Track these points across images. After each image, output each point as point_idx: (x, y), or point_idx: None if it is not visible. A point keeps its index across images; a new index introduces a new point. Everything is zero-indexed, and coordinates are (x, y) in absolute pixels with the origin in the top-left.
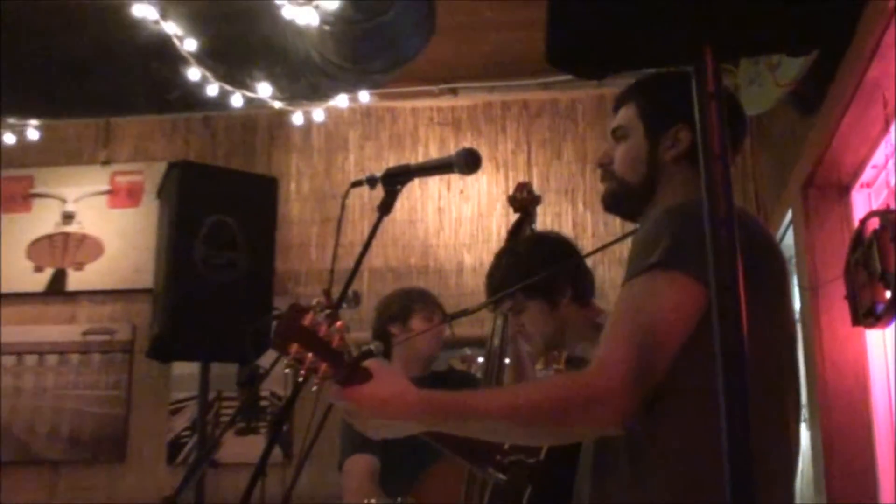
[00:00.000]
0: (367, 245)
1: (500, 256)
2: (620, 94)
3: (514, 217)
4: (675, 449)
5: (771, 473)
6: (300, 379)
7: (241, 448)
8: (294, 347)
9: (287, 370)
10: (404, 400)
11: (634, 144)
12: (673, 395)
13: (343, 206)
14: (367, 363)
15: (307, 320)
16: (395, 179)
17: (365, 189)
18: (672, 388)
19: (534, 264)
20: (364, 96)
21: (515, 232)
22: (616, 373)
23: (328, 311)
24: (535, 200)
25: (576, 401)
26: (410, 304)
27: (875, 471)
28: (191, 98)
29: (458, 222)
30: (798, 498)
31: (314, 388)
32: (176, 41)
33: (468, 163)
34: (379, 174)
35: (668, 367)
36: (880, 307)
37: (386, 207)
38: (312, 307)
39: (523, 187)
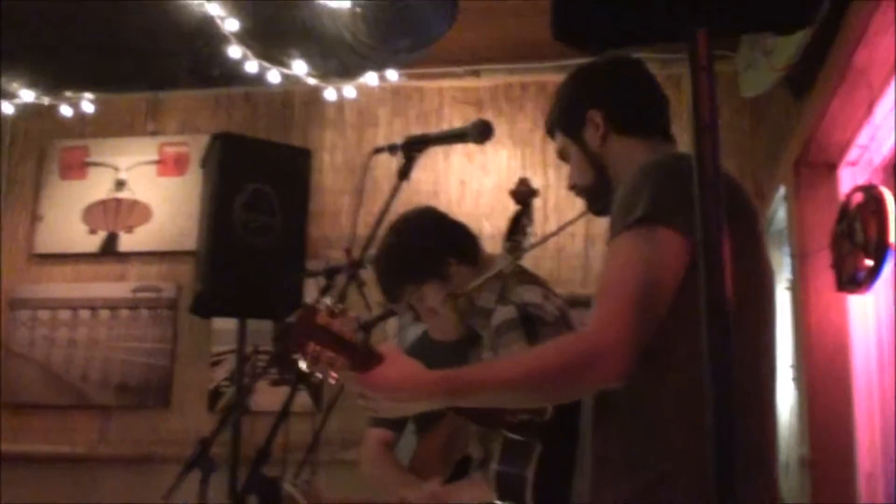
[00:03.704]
0: (386, 207)
1: (378, 259)
2: (546, 129)
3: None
4: (669, 395)
5: (754, 416)
6: (319, 375)
7: (275, 397)
8: (310, 346)
9: (306, 370)
10: (415, 381)
11: (573, 156)
12: (664, 345)
13: (365, 170)
14: (380, 347)
15: (321, 318)
16: (414, 147)
17: (392, 161)
18: (663, 337)
19: (407, 252)
20: (393, 75)
21: (515, 222)
22: (614, 329)
23: (340, 306)
24: (534, 194)
25: (580, 360)
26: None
27: (853, 424)
28: (232, 74)
29: (478, 193)
30: (783, 447)
31: (333, 381)
32: (218, 21)
33: (481, 132)
34: (399, 142)
35: (661, 319)
36: (861, 274)
37: (404, 173)
38: (324, 305)
39: (523, 182)
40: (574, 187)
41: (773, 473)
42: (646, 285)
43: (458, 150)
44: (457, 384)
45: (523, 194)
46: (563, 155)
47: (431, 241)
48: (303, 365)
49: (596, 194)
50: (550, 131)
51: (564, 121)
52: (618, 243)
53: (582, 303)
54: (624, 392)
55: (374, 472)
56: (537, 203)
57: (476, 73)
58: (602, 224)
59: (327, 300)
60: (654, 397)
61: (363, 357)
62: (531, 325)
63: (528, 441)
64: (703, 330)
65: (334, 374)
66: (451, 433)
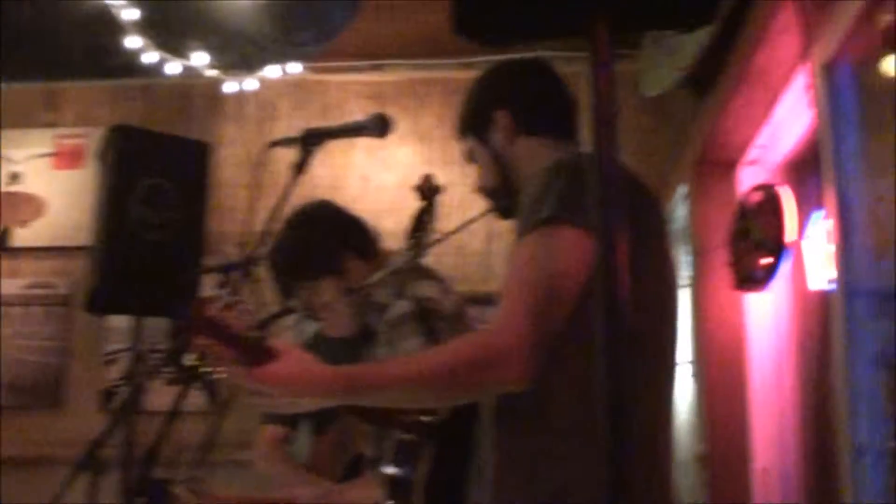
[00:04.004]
0: (280, 202)
1: (273, 255)
2: (457, 131)
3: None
4: (573, 400)
5: (652, 415)
6: (208, 370)
7: (170, 397)
8: (200, 340)
9: (195, 363)
10: (310, 377)
11: (480, 157)
12: (568, 348)
13: (261, 163)
14: (275, 342)
15: (210, 311)
16: (311, 140)
17: (294, 155)
18: (567, 340)
19: (303, 247)
20: (295, 68)
21: (419, 219)
22: (516, 330)
23: (234, 299)
24: (438, 190)
25: (480, 363)
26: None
27: (748, 421)
28: (130, 65)
29: (380, 189)
30: (681, 444)
31: (221, 376)
32: (116, 10)
33: (380, 127)
34: (296, 136)
35: (566, 319)
36: (759, 272)
37: (301, 167)
38: (217, 297)
39: (427, 178)
40: (482, 189)
41: (669, 473)
42: (551, 287)
43: (360, 145)
44: (354, 381)
45: (427, 190)
46: (470, 156)
47: (328, 236)
48: (191, 360)
49: (502, 196)
50: (460, 132)
51: (471, 121)
52: (523, 243)
53: (483, 300)
54: (527, 396)
55: (267, 469)
56: (440, 200)
57: (380, 68)
58: (503, 222)
59: (222, 293)
60: (558, 402)
61: (254, 352)
62: (427, 320)
63: (420, 441)
64: (597, 331)
65: (223, 370)
66: (344, 431)
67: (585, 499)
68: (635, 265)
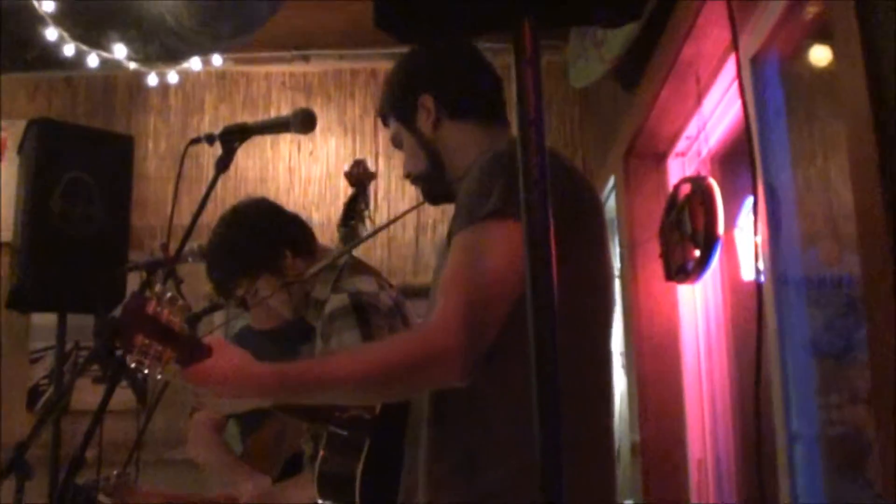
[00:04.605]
0: (203, 200)
1: (209, 254)
2: (380, 116)
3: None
4: (512, 392)
5: (590, 406)
6: (146, 370)
7: (97, 396)
8: (139, 339)
9: (133, 364)
10: (244, 375)
11: (406, 142)
12: (504, 346)
13: (182, 161)
14: (209, 340)
15: (150, 308)
16: (233, 137)
17: (218, 149)
18: (504, 338)
19: (241, 245)
20: (217, 60)
21: (351, 205)
22: (455, 328)
23: (170, 295)
24: (370, 176)
25: (417, 360)
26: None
27: (683, 412)
28: (49, 58)
29: (307, 182)
30: (615, 436)
31: (159, 375)
32: (34, 2)
33: (303, 122)
34: (217, 132)
35: (506, 317)
36: (690, 264)
37: (223, 164)
38: (154, 294)
39: (359, 164)
40: (409, 175)
41: (611, 467)
42: (491, 283)
43: (287, 137)
44: (288, 379)
45: (359, 176)
46: (396, 142)
47: (265, 234)
48: (129, 359)
49: (430, 182)
50: (384, 118)
51: (396, 107)
52: (463, 238)
53: (413, 293)
54: (462, 392)
55: (200, 454)
56: (372, 187)
57: (305, 59)
58: (433, 213)
59: (157, 289)
60: (492, 399)
61: (190, 349)
62: (364, 313)
63: (355, 436)
64: (529, 329)
65: (161, 370)
66: (280, 428)
67: (520, 498)
68: (573, 258)
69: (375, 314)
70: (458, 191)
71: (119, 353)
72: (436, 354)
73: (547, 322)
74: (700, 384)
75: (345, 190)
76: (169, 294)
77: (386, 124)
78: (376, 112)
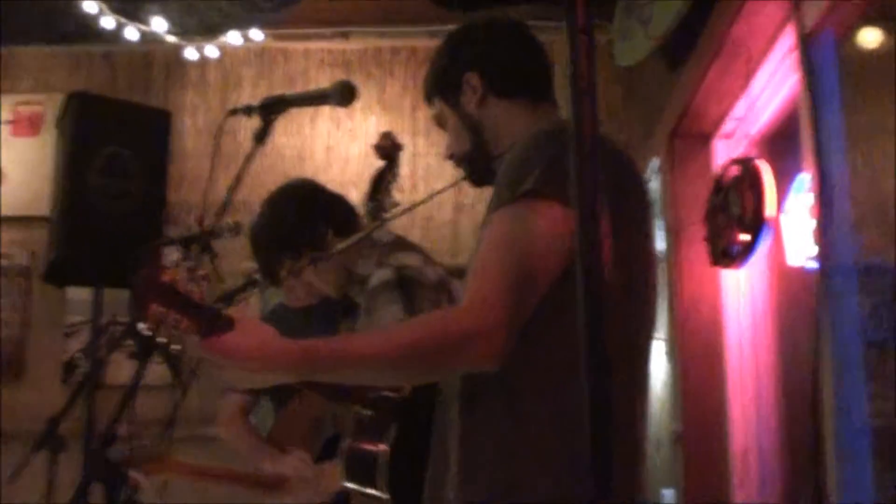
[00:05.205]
0: (240, 174)
1: (252, 236)
2: (424, 94)
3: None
4: (546, 378)
5: (630, 397)
6: (163, 339)
7: (132, 371)
8: (154, 307)
9: (149, 333)
10: (267, 350)
11: (450, 121)
12: (541, 329)
13: (220, 132)
14: (231, 312)
15: (166, 277)
16: (272, 109)
17: (257, 124)
18: (541, 321)
19: (285, 226)
20: (257, 34)
21: (379, 179)
22: (489, 309)
23: (190, 265)
24: (398, 148)
25: (449, 341)
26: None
27: (726, 401)
28: (87, 31)
29: (345, 160)
30: (656, 423)
31: (178, 346)
32: None
33: (344, 94)
34: (255, 104)
35: (541, 299)
36: (736, 248)
37: (261, 137)
38: (174, 265)
39: (388, 136)
40: (452, 156)
41: (642, 460)
42: (528, 263)
43: (325, 115)
44: (313, 356)
45: (387, 149)
46: (439, 121)
47: (309, 214)
48: (145, 328)
49: (474, 162)
50: (427, 97)
51: (440, 84)
52: (502, 216)
53: (452, 274)
54: (494, 378)
55: (228, 437)
56: (405, 171)
57: (345, 36)
58: (471, 193)
59: (177, 258)
60: (526, 387)
61: (210, 321)
62: (408, 287)
63: (383, 418)
64: (579, 312)
65: (178, 339)
66: (311, 405)
67: (552, 486)
68: (618, 242)
69: (419, 288)
70: (498, 173)
71: (140, 323)
72: (467, 335)
73: (600, 306)
74: (743, 372)
75: None
76: (189, 263)
77: (430, 104)
78: (423, 91)
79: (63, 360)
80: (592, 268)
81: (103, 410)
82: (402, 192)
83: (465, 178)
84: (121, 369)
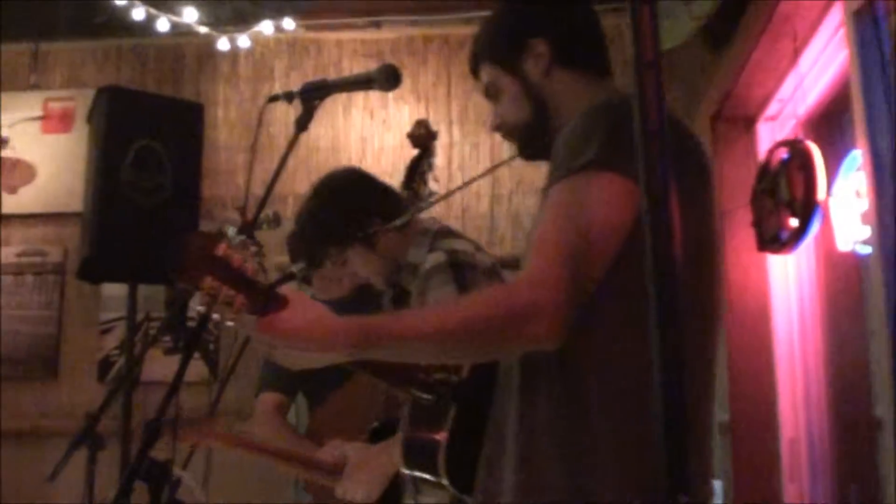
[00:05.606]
0: (282, 162)
1: (298, 224)
2: (470, 63)
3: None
4: (608, 358)
5: (698, 380)
6: (215, 315)
7: (168, 367)
8: (207, 280)
9: (200, 307)
10: (323, 327)
11: (506, 89)
12: (607, 303)
13: (260, 119)
14: (283, 290)
15: (220, 249)
16: (313, 94)
17: (289, 115)
18: (605, 294)
19: (332, 214)
20: (289, 24)
21: (414, 167)
22: (546, 284)
23: (242, 238)
24: (432, 136)
25: (509, 317)
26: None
27: (775, 390)
28: (118, 23)
29: (380, 151)
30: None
31: (229, 323)
32: None
33: (388, 78)
34: (296, 89)
35: (602, 275)
36: (785, 233)
37: (303, 124)
38: (224, 234)
39: (422, 124)
40: (501, 127)
41: (710, 449)
42: (587, 239)
43: (359, 105)
44: (370, 332)
45: (421, 137)
46: (491, 91)
47: (356, 203)
48: (198, 304)
49: (532, 134)
50: (476, 67)
51: (499, 50)
52: (560, 189)
53: None
54: (556, 357)
55: (266, 437)
56: (441, 161)
57: (377, 25)
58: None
59: (228, 231)
60: (587, 367)
61: (264, 298)
62: (460, 270)
63: (441, 402)
64: (651, 292)
65: (231, 316)
66: (351, 398)
67: (612, 475)
68: (683, 223)
69: (473, 272)
70: (554, 146)
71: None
72: (525, 310)
73: (671, 288)
74: (792, 360)
75: None
76: (240, 238)
77: (476, 75)
78: (469, 59)
79: (98, 357)
80: (664, 257)
81: (140, 407)
82: (438, 182)
83: (521, 151)
84: (156, 365)
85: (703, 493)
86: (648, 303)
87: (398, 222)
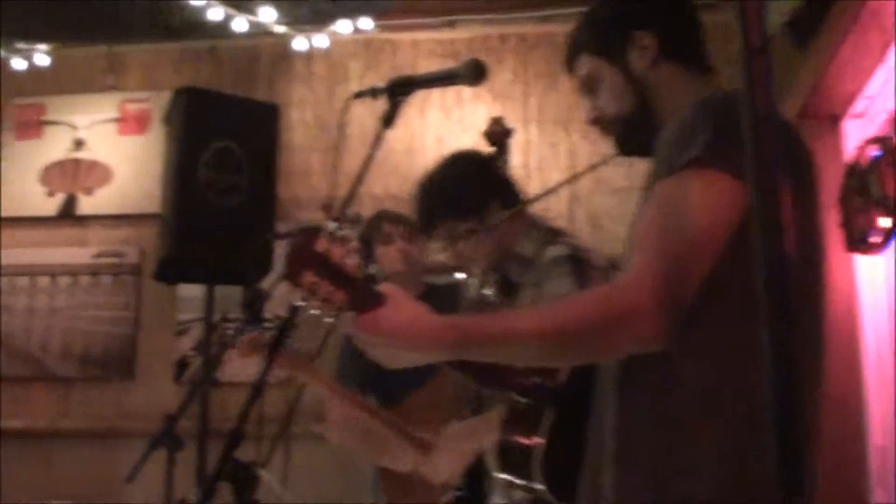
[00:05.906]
0: (369, 159)
1: (422, 188)
2: (568, 55)
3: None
4: (712, 360)
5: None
6: (317, 312)
7: (245, 368)
8: (308, 277)
9: (302, 303)
10: (422, 326)
11: (608, 81)
12: (709, 303)
13: (344, 117)
14: (381, 287)
15: (321, 245)
16: (399, 90)
17: (365, 116)
18: (709, 295)
19: (454, 187)
20: (366, 24)
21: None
22: (649, 284)
23: (342, 233)
24: (508, 133)
25: (612, 318)
26: (370, 227)
27: (863, 396)
28: (195, 24)
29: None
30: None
31: (331, 319)
32: None
33: (475, 72)
34: (382, 85)
35: (706, 275)
36: (875, 233)
37: (389, 120)
38: (325, 229)
39: (497, 122)
40: (599, 120)
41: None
42: (692, 238)
43: (435, 105)
44: (470, 332)
45: (497, 135)
46: (589, 83)
47: (478, 180)
48: (299, 299)
49: (632, 127)
50: (572, 60)
51: (603, 41)
52: (665, 186)
53: None
54: (657, 359)
55: (341, 438)
56: (517, 161)
57: (452, 25)
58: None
59: (329, 226)
60: (690, 370)
61: (364, 295)
62: (580, 265)
63: (538, 406)
64: (761, 296)
65: (332, 313)
66: (431, 401)
67: (717, 482)
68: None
69: (591, 268)
70: (657, 141)
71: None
72: (628, 312)
73: (785, 291)
74: (882, 364)
75: None
76: (343, 232)
77: (572, 68)
78: (567, 51)
79: (175, 358)
80: (775, 258)
81: (217, 408)
82: (515, 181)
83: (616, 147)
84: (233, 367)
85: (813, 496)
86: (754, 301)
87: (519, 208)
